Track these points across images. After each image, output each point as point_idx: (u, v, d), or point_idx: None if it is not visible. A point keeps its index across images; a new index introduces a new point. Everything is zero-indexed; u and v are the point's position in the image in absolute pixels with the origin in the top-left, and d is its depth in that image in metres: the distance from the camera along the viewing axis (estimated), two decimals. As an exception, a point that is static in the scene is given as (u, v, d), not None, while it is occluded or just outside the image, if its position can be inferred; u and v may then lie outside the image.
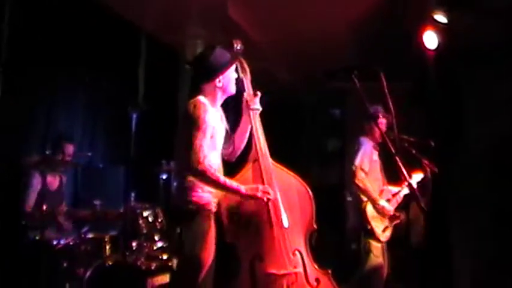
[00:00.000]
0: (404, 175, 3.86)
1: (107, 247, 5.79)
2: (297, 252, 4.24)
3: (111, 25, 7.08)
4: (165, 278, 5.54)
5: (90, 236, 5.83)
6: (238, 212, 4.15)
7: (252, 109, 4.41)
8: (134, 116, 5.55)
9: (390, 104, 4.08)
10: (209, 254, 4.01)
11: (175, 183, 4.26)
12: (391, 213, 6.09)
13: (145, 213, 5.92)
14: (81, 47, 7.01)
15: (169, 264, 5.60)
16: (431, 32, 6.02)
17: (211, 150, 4.05)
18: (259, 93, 4.47)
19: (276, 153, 4.41)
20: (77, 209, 6.22)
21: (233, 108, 4.70)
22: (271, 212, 4.15)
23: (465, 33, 6.60)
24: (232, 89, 4.29)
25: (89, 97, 7.57)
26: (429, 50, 6.07)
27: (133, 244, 5.74)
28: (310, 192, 4.41)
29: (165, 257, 5.75)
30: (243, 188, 4.02)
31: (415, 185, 5.03)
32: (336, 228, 6.67)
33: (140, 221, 5.86)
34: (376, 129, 6.02)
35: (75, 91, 7.39)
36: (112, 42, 7.35)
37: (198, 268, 3.96)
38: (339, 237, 6.81)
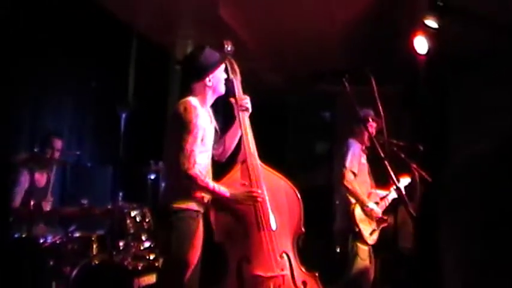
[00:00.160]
0: (392, 179, 3.87)
1: (94, 246, 5.75)
2: (284, 255, 4.24)
3: (102, 24, 7.07)
4: (151, 278, 5.53)
5: (77, 234, 5.79)
6: (226, 213, 4.15)
7: (242, 110, 4.41)
8: (123, 115, 5.53)
9: (380, 108, 4.09)
10: (195, 254, 4.03)
11: (163, 184, 4.27)
12: (379, 215, 6.11)
13: (132, 213, 5.91)
14: (71, 45, 7.00)
15: (156, 264, 5.58)
16: (422, 37, 6.04)
17: (201, 152, 4.06)
18: (247, 97, 4.49)
19: (265, 155, 4.41)
20: (63, 207, 6.20)
21: (224, 110, 4.72)
22: (259, 214, 4.15)
23: (455, 39, 6.62)
24: (222, 89, 4.31)
25: (78, 96, 7.55)
26: (419, 54, 6.08)
27: (121, 244, 5.72)
28: (299, 195, 4.41)
29: (152, 257, 5.73)
30: (231, 194, 4.04)
31: (402, 189, 5.06)
32: (323, 230, 6.66)
33: (128, 221, 5.84)
34: (365, 133, 6.03)
35: (64, 89, 7.35)
36: (103, 41, 7.34)
37: (184, 268, 3.97)
38: (326, 240, 6.80)
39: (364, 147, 6.23)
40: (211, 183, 4.03)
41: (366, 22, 6.97)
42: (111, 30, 7.31)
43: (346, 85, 4.12)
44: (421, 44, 6.09)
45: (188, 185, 4.00)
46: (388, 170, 3.83)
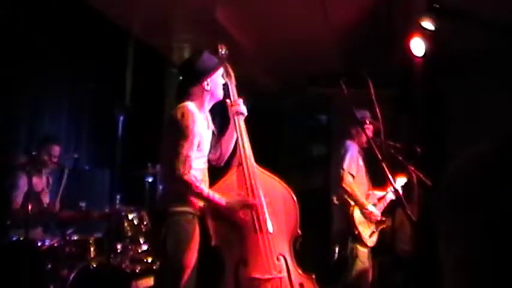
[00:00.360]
0: (390, 181, 3.87)
1: (92, 249, 5.75)
2: (281, 257, 4.25)
3: (98, 28, 7.06)
4: (149, 281, 5.53)
5: (74, 237, 5.79)
6: (224, 216, 4.15)
7: (237, 114, 4.42)
8: (121, 118, 5.53)
9: (377, 110, 4.10)
10: (192, 257, 4.03)
11: (160, 187, 4.27)
12: (379, 218, 6.11)
13: (130, 216, 5.91)
14: (69, 49, 7.01)
15: (154, 267, 5.59)
16: (418, 39, 6.04)
17: (197, 157, 4.07)
18: (241, 100, 4.49)
19: (261, 158, 4.41)
20: (61, 211, 6.19)
21: (220, 113, 4.72)
22: (256, 217, 4.15)
23: (452, 40, 6.63)
24: (220, 94, 4.32)
25: (75, 99, 7.55)
26: (416, 56, 6.08)
27: (118, 247, 5.73)
28: (295, 198, 4.42)
29: (149, 260, 5.74)
30: (227, 203, 4.04)
31: (399, 190, 5.06)
32: (320, 232, 6.66)
33: (125, 224, 5.85)
34: (362, 134, 6.03)
35: (62, 93, 7.36)
36: (99, 45, 7.34)
37: (181, 271, 3.98)
38: (324, 242, 6.80)
39: (360, 149, 6.24)
40: (206, 190, 4.03)
41: (362, 25, 6.98)
42: (108, 34, 7.30)
43: (343, 88, 4.12)
44: (417, 46, 6.09)
45: (183, 190, 4.01)
46: (385, 172, 3.83)
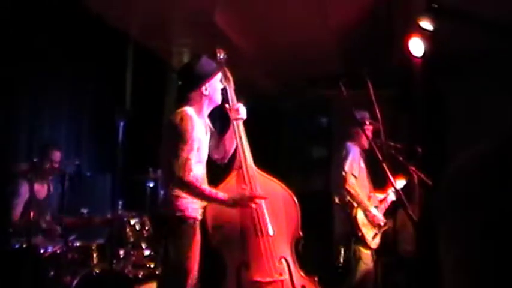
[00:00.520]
0: (391, 182, 3.88)
1: (94, 255, 5.74)
2: (282, 260, 4.25)
3: (98, 33, 7.06)
4: (152, 286, 5.52)
5: (77, 244, 5.78)
6: (224, 220, 4.16)
7: (236, 118, 4.42)
8: (121, 123, 5.53)
9: (377, 111, 4.10)
10: (194, 261, 4.04)
11: (161, 192, 4.28)
12: (381, 222, 6.09)
13: (132, 221, 5.90)
14: (69, 54, 7.01)
15: (157, 272, 5.58)
16: (417, 39, 6.04)
17: (197, 163, 4.07)
18: (240, 105, 4.49)
19: (261, 161, 4.42)
20: (63, 217, 6.18)
21: (220, 116, 4.72)
22: (257, 219, 4.15)
23: (451, 40, 6.63)
24: (219, 99, 4.33)
25: (75, 105, 7.55)
26: (415, 57, 6.08)
27: (121, 252, 5.72)
28: (295, 200, 4.42)
29: (152, 265, 5.73)
30: (229, 198, 4.03)
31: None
32: (321, 235, 6.65)
33: (127, 229, 5.84)
34: (362, 135, 6.03)
35: (61, 98, 7.36)
36: (99, 50, 7.34)
37: (184, 276, 3.98)
38: (325, 244, 6.79)
39: (361, 151, 6.23)
40: (208, 188, 4.04)
41: (361, 25, 6.97)
42: (107, 39, 7.30)
43: (343, 89, 4.12)
44: (416, 46, 6.09)
45: (185, 193, 4.01)
46: (386, 173, 3.84)
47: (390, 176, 3.91)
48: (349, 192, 6.00)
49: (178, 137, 3.99)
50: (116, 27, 7.37)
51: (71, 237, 5.78)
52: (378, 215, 6.09)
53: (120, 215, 5.84)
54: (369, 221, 6.04)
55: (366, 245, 6.04)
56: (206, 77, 4.22)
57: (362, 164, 6.22)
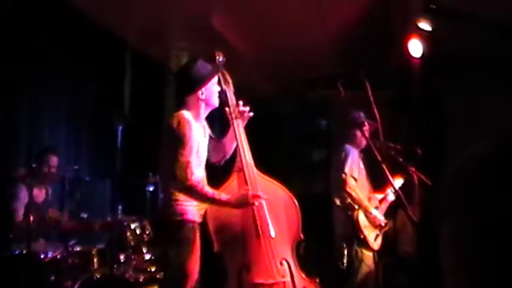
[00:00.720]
0: (391, 182, 3.88)
1: (95, 260, 5.73)
2: (284, 262, 4.25)
3: (96, 37, 7.06)
4: (153, 290, 5.52)
5: (77, 249, 5.77)
6: (225, 222, 4.16)
7: (239, 117, 4.42)
8: (120, 128, 5.52)
9: (376, 112, 4.10)
10: (195, 265, 4.03)
11: (161, 196, 4.27)
12: (382, 223, 6.09)
13: (132, 226, 5.89)
14: (67, 59, 7.02)
15: (157, 276, 5.57)
16: (416, 40, 6.05)
17: (196, 166, 4.06)
18: (241, 103, 4.49)
19: (261, 164, 4.41)
20: (63, 222, 6.17)
21: (220, 119, 4.73)
22: (258, 221, 4.15)
23: (449, 41, 6.64)
24: (215, 102, 4.32)
25: (74, 109, 7.54)
26: (414, 57, 6.08)
27: (121, 257, 5.71)
28: (296, 202, 4.41)
29: (153, 269, 5.72)
30: (232, 199, 4.03)
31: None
32: (322, 237, 6.64)
33: (128, 234, 5.83)
34: (360, 136, 6.03)
35: (61, 99, 7.36)
36: (97, 55, 7.34)
37: (185, 279, 3.98)
38: (325, 246, 6.79)
39: (360, 152, 6.23)
40: (210, 190, 4.03)
41: (359, 26, 6.98)
42: (105, 44, 7.31)
43: (341, 90, 4.12)
44: (415, 47, 6.10)
45: (187, 196, 4.01)
46: (385, 173, 3.84)
47: (390, 177, 3.91)
48: (349, 195, 5.99)
49: (177, 141, 3.98)
50: (115, 31, 7.37)
51: (71, 242, 5.77)
52: (379, 215, 6.09)
53: (120, 220, 5.83)
54: (370, 222, 6.05)
55: (368, 247, 6.04)
56: (202, 81, 4.21)
57: (361, 165, 6.22)
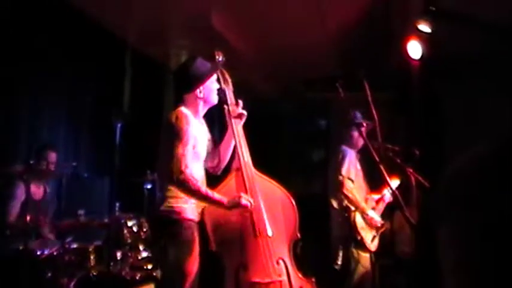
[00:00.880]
0: (388, 184, 3.88)
1: (91, 257, 5.72)
2: (281, 261, 4.24)
3: (96, 36, 7.06)
4: (150, 288, 5.52)
5: (74, 246, 5.76)
6: (222, 221, 4.15)
7: (237, 117, 4.42)
8: (119, 125, 5.52)
9: (374, 112, 4.10)
10: (193, 263, 4.03)
11: (158, 194, 4.27)
12: (379, 224, 6.10)
13: (129, 223, 5.89)
14: (66, 57, 7.02)
15: (154, 274, 5.57)
16: (415, 42, 6.05)
17: (194, 161, 4.06)
18: (240, 102, 4.48)
19: (259, 163, 4.41)
20: (60, 219, 6.17)
21: (219, 121, 4.72)
22: (255, 221, 4.15)
23: (449, 42, 6.64)
24: (214, 100, 4.32)
25: (73, 107, 7.55)
26: (413, 59, 6.09)
27: (118, 254, 5.71)
28: (294, 201, 4.41)
29: (149, 267, 5.72)
30: (225, 199, 4.02)
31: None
32: (319, 237, 6.65)
33: (125, 231, 5.83)
34: (357, 137, 6.03)
35: (60, 101, 7.36)
36: (97, 53, 7.34)
37: (183, 278, 3.97)
38: (323, 246, 6.79)
39: (357, 153, 6.23)
40: (204, 188, 4.02)
41: (359, 27, 6.98)
42: (105, 44, 7.31)
43: (340, 91, 4.12)
44: (414, 49, 6.10)
45: (181, 191, 4.00)
46: (382, 173, 3.84)
47: (387, 178, 3.91)
48: (346, 197, 6.00)
49: (174, 135, 3.98)
50: (114, 31, 7.37)
51: (68, 239, 5.76)
52: (375, 217, 6.09)
53: (118, 217, 5.83)
54: (367, 223, 6.05)
55: (365, 248, 6.05)
56: (200, 79, 4.22)
57: (358, 166, 6.23)
